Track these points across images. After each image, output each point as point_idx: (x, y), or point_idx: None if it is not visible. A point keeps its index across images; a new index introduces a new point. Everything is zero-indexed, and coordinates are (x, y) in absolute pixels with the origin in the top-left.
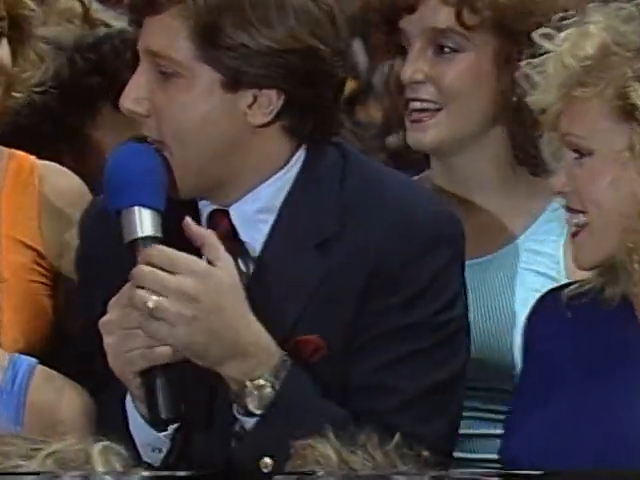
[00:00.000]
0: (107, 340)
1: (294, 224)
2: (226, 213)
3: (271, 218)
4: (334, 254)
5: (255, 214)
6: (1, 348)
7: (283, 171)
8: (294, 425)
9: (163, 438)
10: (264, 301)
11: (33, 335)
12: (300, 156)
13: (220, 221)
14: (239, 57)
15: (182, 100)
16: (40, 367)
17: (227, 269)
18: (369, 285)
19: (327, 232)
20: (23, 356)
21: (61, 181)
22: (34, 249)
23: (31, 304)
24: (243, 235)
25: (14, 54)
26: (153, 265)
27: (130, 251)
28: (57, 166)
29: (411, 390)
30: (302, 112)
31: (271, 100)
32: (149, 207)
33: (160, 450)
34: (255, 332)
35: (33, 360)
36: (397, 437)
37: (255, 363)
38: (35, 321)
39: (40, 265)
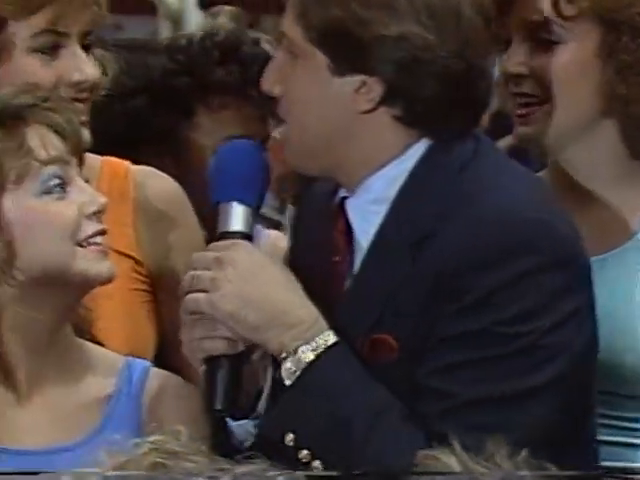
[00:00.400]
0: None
1: (401, 219)
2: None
3: (383, 209)
4: (422, 254)
5: (367, 205)
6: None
7: (396, 161)
8: (322, 402)
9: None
10: (355, 295)
11: (137, 343)
12: (420, 148)
13: (341, 213)
14: (342, 42)
15: (300, 80)
16: (155, 370)
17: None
18: (440, 288)
19: (423, 231)
20: (137, 359)
21: (156, 185)
22: (131, 257)
23: (132, 312)
24: (356, 227)
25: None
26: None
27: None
28: (152, 170)
29: (462, 398)
30: (410, 102)
31: (374, 87)
32: (244, 204)
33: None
34: (296, 303)
35: (147, 362)
36: (525, 451)
37: (294, 333)
38: (138, 329)
39: (138, 272)
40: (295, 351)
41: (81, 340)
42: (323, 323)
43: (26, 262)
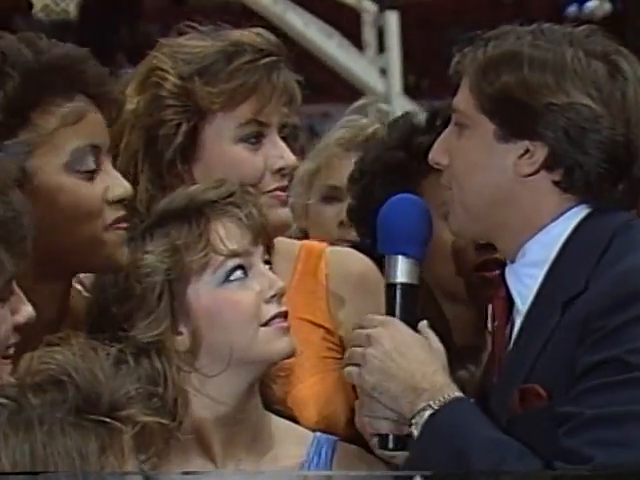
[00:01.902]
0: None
1: (557, 282)
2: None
3: (537, 272)
4: (571, 311)
5: (523, 268)
6: (301, 424)
7: (551, 226)
8: (444, 443)
9: None
10: (513, 356)
11: (328, 407)
12: (574, 214)
13: (502, 280)
14: (510, 109)
15: (465, 148)
16: (341, 443)
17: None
18: (582, 334)
19: (575, 291)
20: (324, 434)
21: (347, 265)
22: (323, 327)
23: (324, 379)
24: (513, 291)
25: None
26: (362, 327)
27: (387, 293)
28: (348, 250)
29: (587, 415)
30: (571, 168)
31: (537, 152)
32: (408, 256)
33: None
34: (430, 374)
35: (333, 437)
36: None
37: (424, 396)
38: (329, 394)
39: (330, 341)
40: (424, 408)
41: (270, 414)
42: (453, 387)
43: (213, 348)
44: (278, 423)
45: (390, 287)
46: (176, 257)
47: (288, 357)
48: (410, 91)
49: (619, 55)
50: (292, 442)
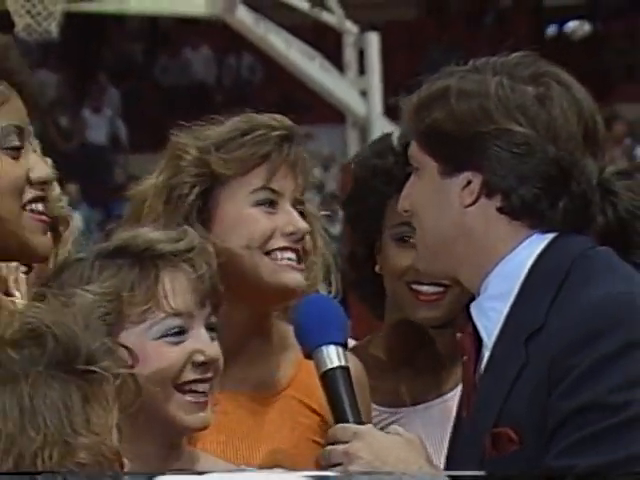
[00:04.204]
0: None
1: (518, 316)
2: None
3: (500, 306)
4: (535, 347)
5: (486, 302)
6: None
7: (511, 255)
8: None
9: None
10: (481, 394)
11: None
12: (535, 243)
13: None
14: (444, 144)
15: (418, 190)
16: None
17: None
18: (551, 373)
19: (535, 326)
20: None
21: None
22: (320, 415)
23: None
24: (479, 326)
25: None
26: (336, 438)
27: (323, 381)
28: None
29: (582, 466)
30: (506, 193)
31: (474, 181)
32: (337, 344)
33: None
34: (411, 464)
35: None
36: None
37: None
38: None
39: (323, 429)
40: None
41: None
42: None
43: (130, 395)
44: None
45: (328, 373)
46: (116, 305)
47: (198, 430)
48: (391, 113)
49: (547, 76)
50: None
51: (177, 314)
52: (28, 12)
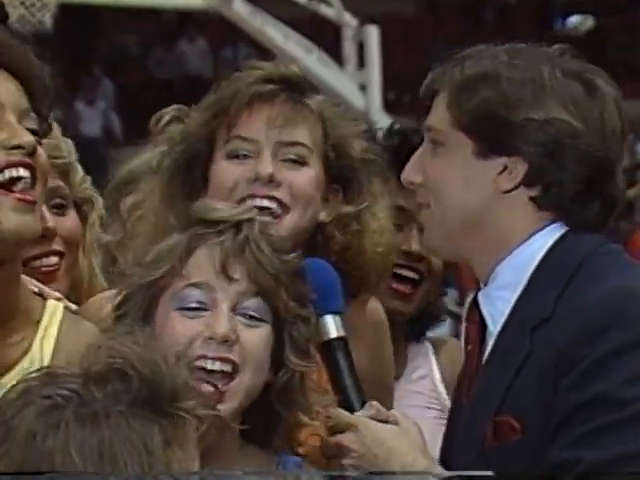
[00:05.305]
0: None
1: (527, 305)
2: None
3: (508, 295)
4: (539, 335)
5: (494, 291)
6: None
7: (523, 247)
8: None
9: None
10: (483, 381)
11: None
12: (549, 234)
13: (477, 304)
14: (489, 125)
15: (442, 166)
16: (307, 465)
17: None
18: (559, 364)
19: (542, 316)
20: (291, 456)
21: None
22: None
23: None
24: (485, 315)
25: None
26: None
27: (322, 351)
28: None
29: (590, 460)
30: (549, 184)
31: (517, 168)
32: (334, 313)
33: None
34: (409, 464)
35: (298, 458)
36: None
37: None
38: None
39: None
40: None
41: None
42: (437, 468)
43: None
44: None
45: (327, 344)
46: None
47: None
48: (390, 107)
49: (593, 74)
50: (256, 463)
51: (194, 285)
52: (22, 3)
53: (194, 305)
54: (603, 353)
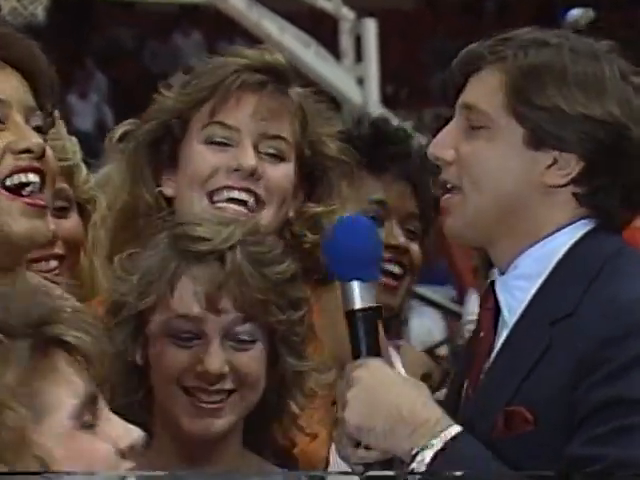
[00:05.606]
0: None
1: (548, 297)
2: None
3: (528, 285)
4: (559, 331)
5: (513, 280)
6: None
7: (547, 239)
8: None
9: None
10: (495, 370)
11: None
12: (575, 230)
13: (492, 291)
14: (549, 117)
15: (485, 151)
16: None
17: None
18: (582, 364)
19: (562, 312)
20: None
21: None
22: None
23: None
24: (502, 303)
25: None
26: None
27: (348, 319)
28: None
29: (612, 458)
30: (599, 186)
31: (570, 164)
32: (365, 281)
33: None
34: (418, 406)
35: None
36: None
37: (422, 431)
38: None
39: None
40: (425, 446)
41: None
42: (447, 419)
43: None
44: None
45: (351, 314)
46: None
47: None
48: (388, 101)
49: (637, 75)
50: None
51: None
52: None
53: (185, 336)
54: (630, 356)
